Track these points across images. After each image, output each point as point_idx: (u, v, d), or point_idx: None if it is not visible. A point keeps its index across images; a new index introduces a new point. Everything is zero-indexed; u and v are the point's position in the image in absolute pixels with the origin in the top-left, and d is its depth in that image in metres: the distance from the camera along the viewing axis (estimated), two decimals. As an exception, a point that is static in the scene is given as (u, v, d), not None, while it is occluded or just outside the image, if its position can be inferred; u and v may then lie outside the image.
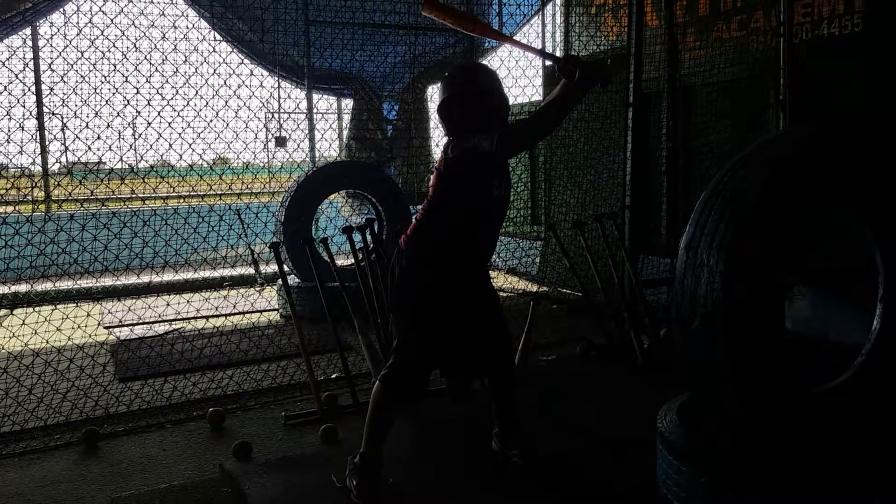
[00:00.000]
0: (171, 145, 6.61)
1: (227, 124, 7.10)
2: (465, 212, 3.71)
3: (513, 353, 4.27)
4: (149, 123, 6.68)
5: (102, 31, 6.19)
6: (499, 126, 3.66)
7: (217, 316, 7.98)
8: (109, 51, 6.38)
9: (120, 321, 7.84)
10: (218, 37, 8.93)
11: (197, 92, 6.86)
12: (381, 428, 3.76)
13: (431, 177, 3.85)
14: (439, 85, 3.87)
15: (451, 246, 3.75)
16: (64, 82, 6.50)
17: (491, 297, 4.05)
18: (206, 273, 9.66)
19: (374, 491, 3.63)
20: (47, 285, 7.30)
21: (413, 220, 3.91)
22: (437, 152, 9.13)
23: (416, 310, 3.78)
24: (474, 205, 3.71)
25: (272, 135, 9.82)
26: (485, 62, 10.21)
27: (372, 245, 5.57)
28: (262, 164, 9.81)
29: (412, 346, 3.76)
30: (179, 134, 6.57)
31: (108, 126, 6.72)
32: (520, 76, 9.40)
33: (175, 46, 6.66)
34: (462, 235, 3.75)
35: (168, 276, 8.85)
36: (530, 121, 3.70)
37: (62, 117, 7.34)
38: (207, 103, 6.91)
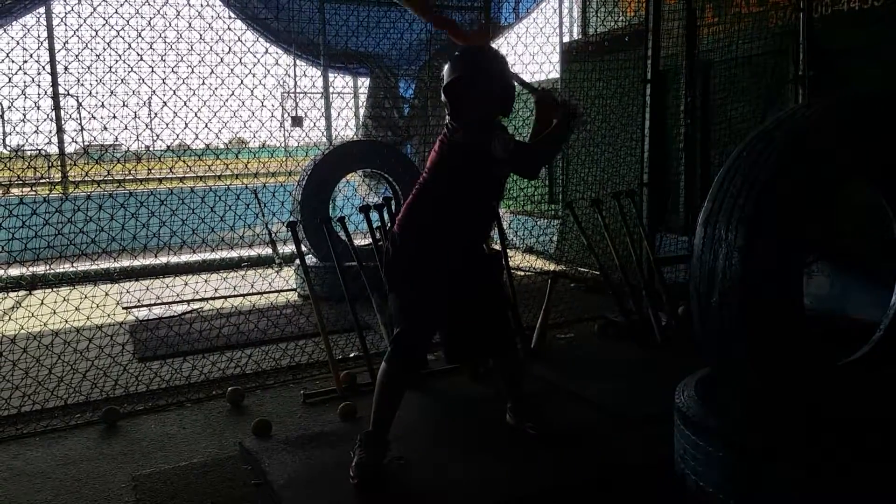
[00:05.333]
0: (186, 124, 6.61)
1: (243, 103, 7.08)
2: (458, 201, 3.75)
3: (512, 335, 4.28)
4: (164, 103, 6.67)
5: (116, 10, 6.18)
6: (502, 112, 4.01)
7: (235, 296, 8.02)
8: (123, 29, 6.37)
9: (138, 301, 7.89)
10: (232, 15, 8.91)
11: (212, 70, 6.85)
12: (388, 408, 3.78)
13: (432, 153, 3.87)
14: (447, 65, 3.86)
15: (441, 229, 3.78)
16: (79, 61, 6.50)
17: (487, 280, 4.05)
18: (224, 253, 9.69)
19: (372, 470, 3.63)
20: (65, 266, 7.33)
21: (409, 198, 3.93)
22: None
23: (411, 287, 3.81)
24: (468, 196, 3.77)
25: (288, 114, 9.81)
26: (502, 39, 10.16)
27: (389, 224, 5.56)
28: (278, 144, 9.82)
29: (410, 322, 3.79)
30: (195, 113, 6.56)
31: (124, 105, 6.71)
32: (536, 52, 9.33)
33: (190, 24, 6.65)
34: (452, 221, 3.78)
35: (186, 257, 8.88)
36: (534, 148, 3.89)
37: (77, 97, 7.34)
38: (223, 82, 6.90)
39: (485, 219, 4.04)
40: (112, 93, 6.64)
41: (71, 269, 7.77)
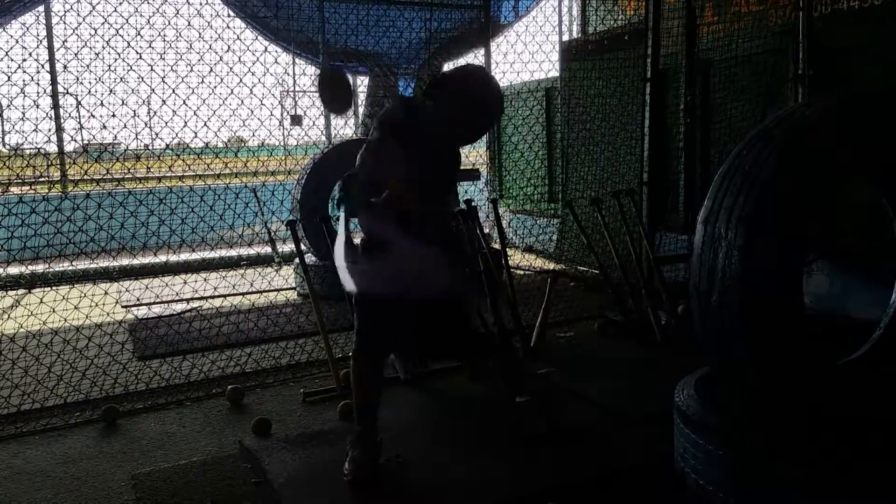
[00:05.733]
0: (185, 123, 6.60)
1: (242, 101, 7.08)
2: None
3: (477, 337, 4.27)
4: (163, 101, 6.67)
5: (115, 9, 6.17)
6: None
7: (235, 294, 8.02)
8: (122, 27, 6.36)
9: (138, 300, 7.88)
10: (231, 13, 8.90)
11: (212, 69, 6.85)
12: (366, 402, 3.79)
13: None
14: (453, 68, 3.85)
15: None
16: (78, 59, 6.49)
17: (455, 282, 3.99)
18: (224, 252, 9.69)
19: (366, 467, 3.64)
20: (65, 265, 7.33)
21: None
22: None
23: (363, 294, 3.80)
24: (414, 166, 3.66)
25: (287, 113, 9.81)
26: (501, 37, 10.16)
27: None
28: (277, 143, 9.82)
29: (363, 320, 3.80)
30: (195, 112, 6.55)
31: (123, 103, 6.71)
32: (536, 51, 9.30)
33: (189, 22, 6.64)
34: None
35: (185, 255, 8.88)
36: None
37: (77, 95, 7.34)
38: (222, 80, 6.89)
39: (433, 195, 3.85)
40: (111, 91, 6.64)
41: (70, 268, 7.77)
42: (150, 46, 6.85)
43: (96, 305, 6.05)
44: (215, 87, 6.90)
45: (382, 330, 3.81)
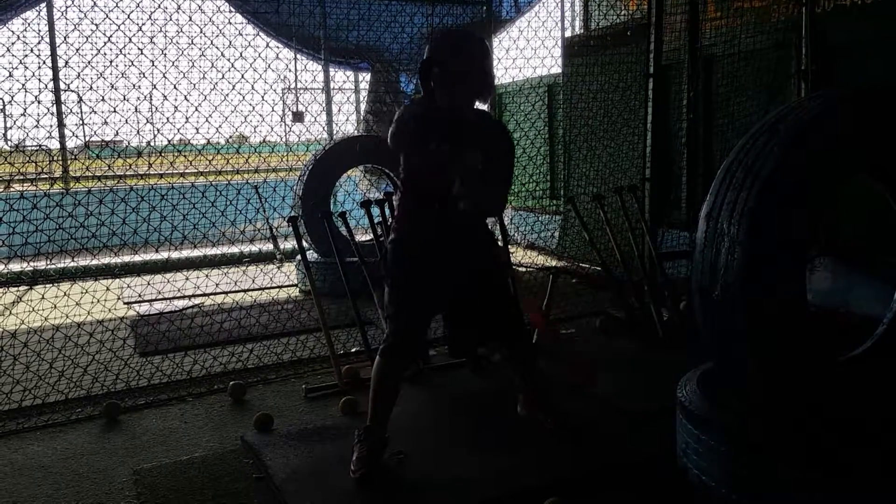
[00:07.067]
0: (187, 119, 6.60)
1: (244, 98, 7.07)
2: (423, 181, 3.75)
3: (522, 321, 4.22)
4: (165, 97, 6.67)
5: (117, 4, 6.15)
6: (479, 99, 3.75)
7: (236, 291, 8.00)
8: (124, 23, 6.35)
9: (139, 296, 7.87)
10: (232, 8, 8.88)
11: (213, 65, 6.84)
12: (384, 400, 3.79)
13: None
14: (427, 45, 3.80)
15: (421, 216, 3.79)
16: (79, 55, 6.48)
17: (488, 266, 3.97)
18: (225, 248, 9.68)
19: (372, 464, 3.63)
20: (66, 261, 7.33)
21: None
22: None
23: (401, 282, 3.79)
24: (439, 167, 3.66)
25: (289, 109, 9.80)
26: (503, 32, 10.13)
27: (390, 219, 5.56)
28: (279, 139, 9.81)
29: (400, 316, 3.78)
30: (196, 108, 6.55)
31: (125, 99, 6.69)
32: (538, 47, 9.28)
33: (190, 18, 6.63)
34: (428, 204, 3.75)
35: (187, 252, 8.87)
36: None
37: (79, 91, 7.33)
38: (224, 76, 6.88)
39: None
40: (113, 87, 6.63)
41: (72, 264, 7.77)
42: (151, 42, 6.84)
43: (98, 302, 6.04)
44: (216, 83, 6.90)
45: (420, 321, 3.85)
